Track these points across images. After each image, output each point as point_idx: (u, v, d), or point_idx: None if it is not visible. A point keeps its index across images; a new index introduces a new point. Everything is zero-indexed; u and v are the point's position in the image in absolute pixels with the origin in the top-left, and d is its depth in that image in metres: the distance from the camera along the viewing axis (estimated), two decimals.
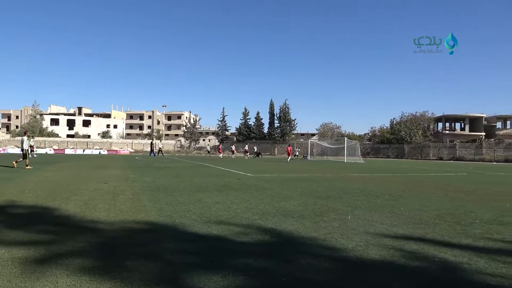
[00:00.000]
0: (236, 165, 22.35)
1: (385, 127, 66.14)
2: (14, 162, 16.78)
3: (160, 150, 42.66)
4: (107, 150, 56.73)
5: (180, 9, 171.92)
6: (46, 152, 50.78)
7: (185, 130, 75.05)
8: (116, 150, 56.51)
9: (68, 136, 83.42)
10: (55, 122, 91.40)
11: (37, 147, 56.86)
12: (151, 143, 40.64)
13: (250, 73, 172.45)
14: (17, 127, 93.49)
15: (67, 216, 5.54)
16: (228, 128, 75.85)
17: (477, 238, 4.70)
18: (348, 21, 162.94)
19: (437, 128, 69.89)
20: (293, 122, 67.17)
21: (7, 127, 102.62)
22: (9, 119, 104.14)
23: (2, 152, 45.83)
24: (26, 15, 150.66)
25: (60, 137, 76.39)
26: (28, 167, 16.09)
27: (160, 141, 50.80)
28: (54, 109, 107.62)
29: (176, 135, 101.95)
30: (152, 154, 39.09)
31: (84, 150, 54.67)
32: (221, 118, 74.21)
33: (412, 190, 9.98)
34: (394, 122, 64.24)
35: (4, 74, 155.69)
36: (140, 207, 6.27)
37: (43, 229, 4.67)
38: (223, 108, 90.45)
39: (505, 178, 16.25)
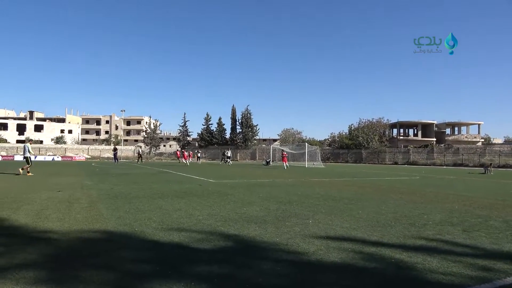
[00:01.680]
0: (198, 172, 22.07)
1: (344, 133, 68.16)
2: (20, 170, 16.80)
3: (140, 156, 41.56)
4: (61, 157, 54.05)
5: (134, 8, 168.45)
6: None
7: (145, 136, 73.33)
8: (71, 157, 54.00)
9: (18, 141, 78.53)
10: (3, 126, 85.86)
11: None
12: (115, 149, 39.28)
13: (212, 77, 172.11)
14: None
15: (17, 226, 5.22)
16: (190, 134, 75.05)
17: (430, 239, 4.95)
18: (307, 21, 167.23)
19: (392, 134, 73.04)
20: (255, 128, 67.53)
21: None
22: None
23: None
24: None
25: (9, 142, 71.91)
26: (29, 173, 16.62)
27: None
28: (1, 113, 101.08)
29: (136, 140, 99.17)
30: (116, 160, 37.79)
31: (36, 157, 51.51)
32: (183, 123, 73.23)
33: (370, 194, 10.30)
34: (352, 128, 66.38)
35: None
36: (97, 216, 6.04)
37: None
38: (185, 114, 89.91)
39: (454, 181, 17.24)
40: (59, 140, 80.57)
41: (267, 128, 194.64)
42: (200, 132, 71.32)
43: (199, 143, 71.16)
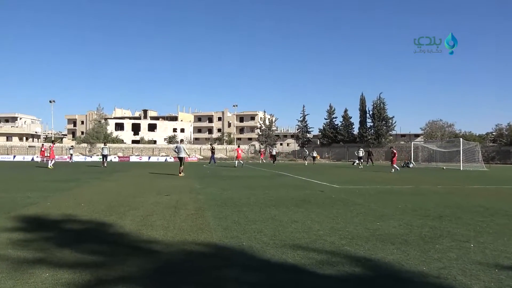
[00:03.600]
0: (320, 175, 21.93)
1: None
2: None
3: (273, 157, 44.88)
4: (174, 157, 59.93)
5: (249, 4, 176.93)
6: (111, 160, 55.14)
7: (260, 133, 76.35)
8: (184, 157, 59.61)
9: (134, 142, 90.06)
10: (119, 126, 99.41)
11: (101, 155, 62.46)
12: (212, 149, 41.82)
13: (336, 62, 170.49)
14: (82, 133, 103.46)
15: (121, 234, 5.72)
16: (310, 130, 75.51)
17: None
18: None
19: None
20: (390, 121, 64.37)
21: (73, 133, 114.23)
22: (74, 124, 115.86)
23: (67, 160, 50.82)
24: (86, 18, 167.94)
25: (125, 143, 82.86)
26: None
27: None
28: (118, 112, 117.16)
29: (250, 139, 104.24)
30: (213, 160, 40.35)
31: (149, 157, 58.45)
32: (301, 118, 74.12)
33: None
34: None
35: (69, 78, 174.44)
36: (203, 226, 6.27)
37: (92, 249, 4.82)
38: (303, 107, 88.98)
39: None
40: (171, 140, 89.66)
41: (406, 121, 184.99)
42: (322, 128, 71.28)
43: (321, 141, 71.09)
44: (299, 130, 75.29)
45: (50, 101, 72.01)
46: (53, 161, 29.21)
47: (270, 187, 13.26)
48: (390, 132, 66.16)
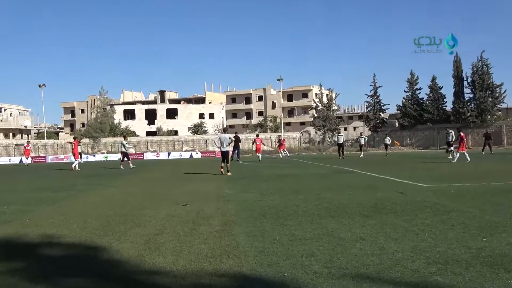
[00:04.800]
0: (398, 170, 21.42)
1: None
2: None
3: (340, 147, 41.28)
4: (201, 152, 60.63)
5: None
6: (119, 159, 56.35)
7: (315, 115, 75.65)
8: (214, 152, 59.92)
9: (148, 134, 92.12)
10: (129, 114, 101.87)
11: (106, 152, 64.09)
12: (237, 139, 41.28)
13: (413, 19, 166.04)
14: (83, 125, 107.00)
15: (116, 262, 5.61)
16: (385, 108, 74.02)
17: None
18: None
19: None
20: (497, 90, 61.84)
21: (71, 125, 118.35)
22: (72, 114, 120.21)
23: (65, 161, 52.45)
24: None
25: (137, 135, 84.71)
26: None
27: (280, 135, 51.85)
28: (128, 96, 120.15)
29: (302, 123, 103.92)
30: (236, 155, 40.27)
31: (169, 154, 59.46)
32: (372, 92, 72.88)
33: None
34: None
35: (63, 58, 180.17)
36: (230, 247, 6.10)
37: (76, 285, 4.74)
38: (374, 76, 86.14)
39: None
40: (197, 129, 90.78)
41: None
42: (400, 104, 69.68)
43: (400, 122, 69.33)
44: (369, 109, 74.26)
45: (40, 86, 73.99)
46: (77, 162, 30.82)
47: (327, 190, 13.07)
48: (497, 106, 63.63)
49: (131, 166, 30.06)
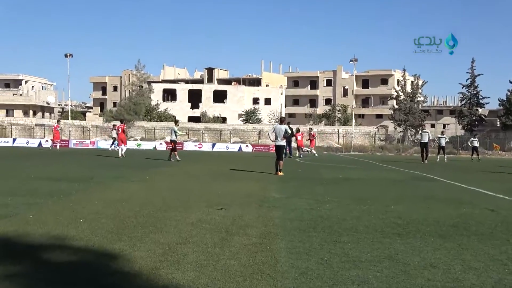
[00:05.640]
0: (492, 180, 20.97)
1: None
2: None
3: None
4: (252, 145, 60.77)
5: None
6: (155, 147, 57.28)
7: (395, 107, 74.44)
8: (268, 146, 59.91)
9: (191, 119, 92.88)
10: (170, 94, 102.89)
11: (140, 139, 65.01)
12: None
13: None
14: (114, 104, 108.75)
15: (125, 274, 5.60)
16: (484, 102, 72.01)
17: None
18: None
19: None
20: None
21: (101, 104, 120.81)
22: (103, 92, 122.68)
23: (90, 146, 53.75)
24: None
25: (177, 121, 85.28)
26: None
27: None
28: (169, 72, 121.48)
29: (379, 116, 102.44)
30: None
31: (214, 145, 59.88)
32: (468, 82, 71.06)
33: None
34: None
35: (97, 27, 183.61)
36: (266, 265, 6.00)
37: None
38: (473, 61, 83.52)
39: None
40: (250, 117, 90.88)
41: None
42: (504, 99, 67.52)
43: (503, 120, 67.14)
44: (463, 102, 72.48)
45: (66, 55, 75.90)
46: (124, 148, 32.55)
47: (398, 200, 12.88)
48: None
49: (178, 158, 30.08)
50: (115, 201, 11.38)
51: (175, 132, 30.26)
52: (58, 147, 43.92)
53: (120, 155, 31.22)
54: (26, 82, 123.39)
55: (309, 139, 44.19)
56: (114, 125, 46.62)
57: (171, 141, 30.96)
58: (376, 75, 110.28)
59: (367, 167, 27.49)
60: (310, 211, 10.37)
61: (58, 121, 47.48)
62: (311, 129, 48.92)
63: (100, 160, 28.03)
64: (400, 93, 74.31)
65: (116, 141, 39.66)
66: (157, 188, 14.44)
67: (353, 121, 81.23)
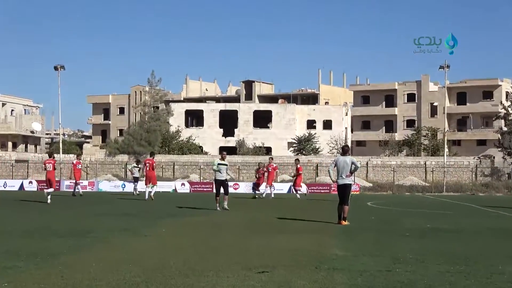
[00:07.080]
0: None
1: None
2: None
3: None
4: (307, 185, 59.45)
5: None
6: (175, 189, 56.66)
7: (504, 129, 73.50)
8: (329, 185, 59.04)
9: (223, 150, 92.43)
10: (195, 118, 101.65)
11: (215, 181, 64.66)
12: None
13: None
14: (120, 132, 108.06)
15: None
16: None
17: None
18: None
19: None
20: None
21: (103, 133, 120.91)
22: (106, 115, 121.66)
23: (89, 189, 53.98)
24: None
25: (206, 153, 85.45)
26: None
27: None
28: (194, 88, 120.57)
29: (482, 142, 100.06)
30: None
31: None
32: None
33: None
34: None
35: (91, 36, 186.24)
36: None
37: None
38: None
39: None
40: (304, 146, 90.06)
41: None
42: None
43: None
44: None
45: (56, 68, 71.73)
46: (154, 189, 34.91)
47: (511, 258, 12.07)
48: None
49: (226, 206, 26.98)
50: (119, 262, 10.53)
51: (220, 168, 26.62)
52: (80, 190, 42.64)
53: (147, 196, 33.07)
54: (3, 105, 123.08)
55: (294, 175, 43.48)
56: (137, 161, 45.56)
57: (216, 181, 27.20)
58: (476, 87, 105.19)
59: (465, 213, 26.91)
60: (385, 275, 9.57)
61: (79, 156, 46.71)
62: (298, 160, 48.18)
63: (102, 206, 28.13)
64: (510, 111, 73.44)
65: (137, 182, 40.08)
66: (177, 245, 13.72)
67: (446, 149, 76.85)
